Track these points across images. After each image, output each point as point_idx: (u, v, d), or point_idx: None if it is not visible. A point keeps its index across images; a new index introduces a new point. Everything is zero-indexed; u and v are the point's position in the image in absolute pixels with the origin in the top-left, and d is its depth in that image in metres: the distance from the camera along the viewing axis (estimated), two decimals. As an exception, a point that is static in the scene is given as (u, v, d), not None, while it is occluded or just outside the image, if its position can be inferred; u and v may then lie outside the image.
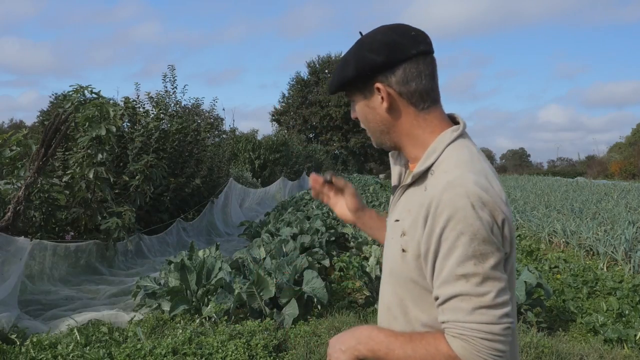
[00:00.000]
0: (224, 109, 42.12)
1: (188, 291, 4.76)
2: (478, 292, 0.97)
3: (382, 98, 1.13)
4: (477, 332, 0.96)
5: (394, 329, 1.15)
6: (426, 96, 1.13)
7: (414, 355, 1.04)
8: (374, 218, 1.50)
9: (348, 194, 1.49)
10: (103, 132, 6.28)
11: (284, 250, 6.29)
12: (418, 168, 1.12)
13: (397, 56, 1.10)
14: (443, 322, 1.02)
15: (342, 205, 1.51)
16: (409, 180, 1.15)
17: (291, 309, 4.43)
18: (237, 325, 4.11)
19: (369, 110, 1.17)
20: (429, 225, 1.03)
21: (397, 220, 1.16)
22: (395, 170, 1.29)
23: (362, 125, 1.23)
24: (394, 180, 1.28)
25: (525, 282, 4.63)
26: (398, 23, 1.16)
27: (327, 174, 1.50)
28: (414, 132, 1.15)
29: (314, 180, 1.52)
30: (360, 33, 1.18)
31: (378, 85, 1.12)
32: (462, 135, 1.14)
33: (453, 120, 1.19)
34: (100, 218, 6.56)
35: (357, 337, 1.12)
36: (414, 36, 1.12)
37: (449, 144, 1.11)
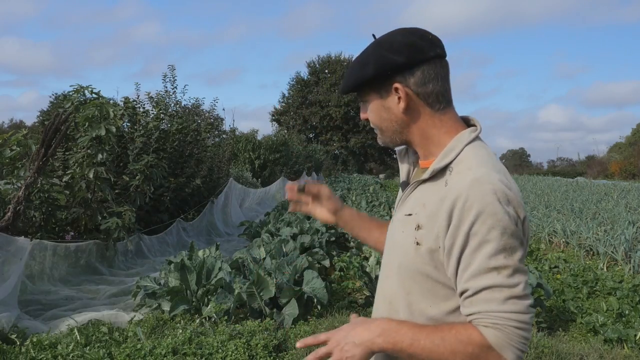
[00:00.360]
0: (224, 109, 42.18)
1: (188, 291, 4.76)
2: (509, 284, 1.00)
3: (400, 98, 1.15)
4: (511, 321, 0.99)
5: None
6: (442, 97, 1.15)
7: (443, 344, 1.02)
8: (354, 216, 1.53)
9: (324, 197, 1.51)
10: (103, 132, 6.28)
11: (284, 250, 6.29)
12: (436, 164, 1.13)
13: (417, 57, 1.13)
14: (472, 314, 1.03)
15: (321, 210, 1.52)
16: (426, 175, 1.15)
17: (291, 309, 4.43)
18: (237, 325, 4.11)
19: (384, 110, 1.18)
20: (455, 220, 1.04)
21: (409, 215, 1.17)
22: (403, 167, 1.31)
23: (373, 125, 1.24)
24: (402, 177, 1.30)
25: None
26: (414, 27, 1.18)
27: (301, 182, 1.52)
28: (429, 132, 1.18)
29: (290, 190, 1.52)
30: (374, 35, 1.21)
31: (397, 85, 1.14)
32: (478, 137, 1.17)
33: (466, 122, 1.22)
34: (100, 218, 6.55)
35: (374, 330, 1.08)
36: (432, 39, 1.16)
37: (467, 144, 1.14)
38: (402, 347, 1.05)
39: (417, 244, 1.12)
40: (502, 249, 1.01)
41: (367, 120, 1.24)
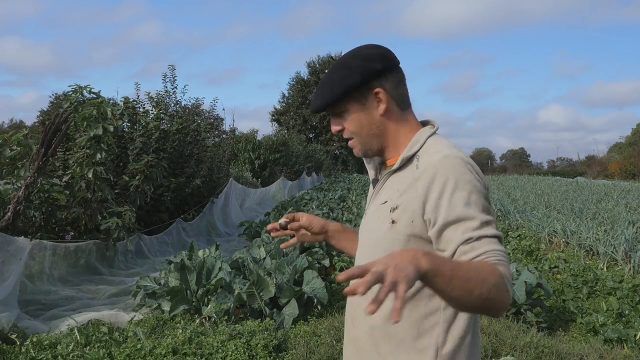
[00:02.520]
0: (224, 109, 41.81)
1: (188, 291, 4.76)
2: (496, 233, 1.17)
3: (379, 101, 1.28)
4: (504, 257, 1.14)
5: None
6: (407, 99, 1.33)
7: (477, 273, 1.05)
8: (339, 229, 1.62)
9: (308, 224, 1.58)
10: (100, 132, 6.27)
11: (284, 250, 6.29)
12: (405, 154, 1.27)
13: (389, 64, 1.29)
14: (480, 254, 1.12)
15: (308, 235, 1.62)
16: (396, 165, 1.29)
17: (291, 309, 4.43)
18: (237, 325, 4.11)
19: (365, 115, 1.30)
20: (434, 193, 1.17)
21: (384, 202, 1.29)
22: (370, 167, 1.44)
23: (352, 134, 1.32)
24: (372, 176, 1.43)
25: (525, 282, 4.63)
26: (368, 43, 1.33)
27: (282, 220, 1.58)
28: (399, 131, 1.32)
29: (272, 229, 1.58)
30: (333, 58, 1.33)
31: (378, 89, 1.27)
32: (436, 132, 1.34)
33: (424, 124, 1.37)
34: (100, 218, 6.55)
35: (416, 253, 1.00)
36: (389, 51, 1.32)
37: (429, 136, 1.30)
38: (444, 270, 1.01)
39: (393, 222, 1.23)
40: (484, 209, 1.17)
41: (338, 132, 1.35)
